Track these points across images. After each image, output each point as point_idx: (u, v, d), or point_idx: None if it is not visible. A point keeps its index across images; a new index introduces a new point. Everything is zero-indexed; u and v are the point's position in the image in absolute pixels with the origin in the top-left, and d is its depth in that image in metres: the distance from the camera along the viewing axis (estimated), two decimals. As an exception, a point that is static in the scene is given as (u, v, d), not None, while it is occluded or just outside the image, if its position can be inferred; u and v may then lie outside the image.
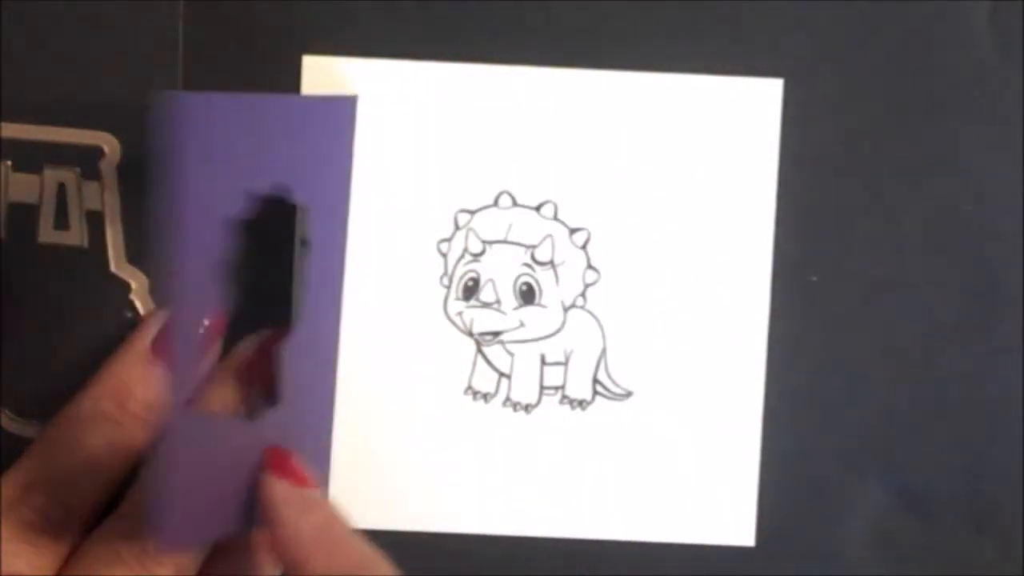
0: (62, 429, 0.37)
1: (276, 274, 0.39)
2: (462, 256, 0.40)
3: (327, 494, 0.39)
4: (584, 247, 0.41)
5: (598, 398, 0.41)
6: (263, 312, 0.39)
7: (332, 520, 0.35)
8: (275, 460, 0.36)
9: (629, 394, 0.41)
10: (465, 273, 0.40)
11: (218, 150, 0.33)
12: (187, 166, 0.32)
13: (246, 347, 0.38)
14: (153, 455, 0.34)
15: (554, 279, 0.41)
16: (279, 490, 0.35)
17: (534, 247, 0.40)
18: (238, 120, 0.34)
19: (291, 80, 0.39)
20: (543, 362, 0.41)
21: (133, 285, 0.39)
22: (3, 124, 0.39)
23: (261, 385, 0.38)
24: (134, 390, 0.37)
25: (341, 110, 0.38)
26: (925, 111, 0.41)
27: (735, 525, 0.41)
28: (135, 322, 0.39)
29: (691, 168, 0.41)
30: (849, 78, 0.41)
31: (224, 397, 0.38)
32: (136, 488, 0.37)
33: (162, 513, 0.34)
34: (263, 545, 0.38)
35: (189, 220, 0.33)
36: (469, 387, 0.41)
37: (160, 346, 0.38)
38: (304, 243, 0.37)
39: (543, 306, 0.41)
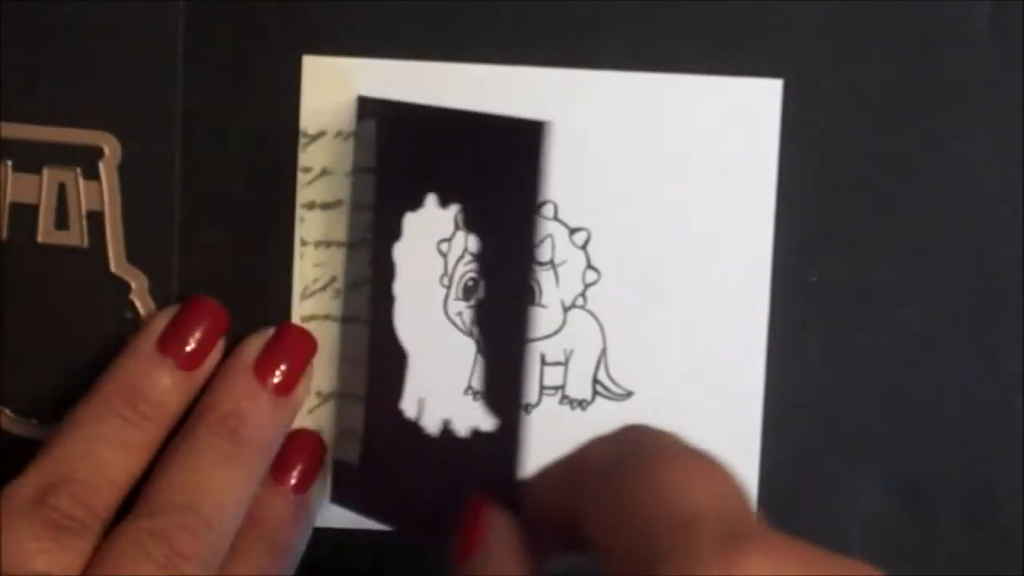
0: (75, 429, 0.37)
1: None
2: (462, 256, 0.40)
3: None
4: (584, 247, 0.41)
5: (598, 398, 0.41)
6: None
7: None
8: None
9: (629, 394, 0.41)
10: (465, 273, 0.40)
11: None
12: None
13: (254, 346, 0.39)
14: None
15: (554, 279, 0.41)
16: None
17: (534, 247, 0.40)
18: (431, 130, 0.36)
19: (291, 80, 0.39)
20: (543, 362, 0.41)
21: (133, 285, 0.39)
22: (3, 124, 0.39)
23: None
24: (144, 389, 0.37)
25: (531, 133, 0.34)
26: (925, 111, 0.41)
27: (735, 525, 0.41)
28: (135, 322, 0.39)
29: (691, 168, 0.40)
30: (849, 78, 0.41)
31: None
32: (155, 487, 0.37)
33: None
34: None
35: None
36: (469, 387, 0.41)
37: (167, 343, 0.38)
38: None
39: (543, 306, 0.41)
